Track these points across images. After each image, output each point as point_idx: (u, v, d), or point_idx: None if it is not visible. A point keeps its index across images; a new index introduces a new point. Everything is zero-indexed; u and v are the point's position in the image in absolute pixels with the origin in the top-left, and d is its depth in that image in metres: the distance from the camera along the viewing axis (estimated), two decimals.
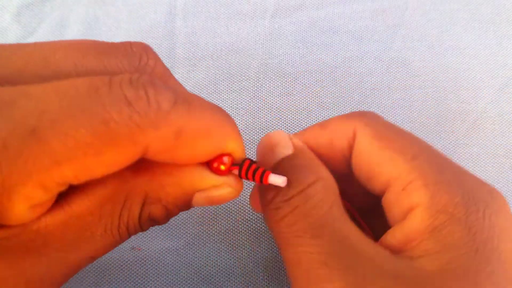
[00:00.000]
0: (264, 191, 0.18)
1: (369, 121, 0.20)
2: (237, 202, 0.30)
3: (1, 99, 0.13)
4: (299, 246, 0.16)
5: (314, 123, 0.32)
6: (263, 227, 0.30)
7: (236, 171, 0.19)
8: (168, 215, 0.18)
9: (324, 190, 0.17)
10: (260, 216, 0.30)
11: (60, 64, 0.16)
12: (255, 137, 0.32)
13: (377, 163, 0.19)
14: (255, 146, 0.29)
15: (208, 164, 0.19)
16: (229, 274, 0.29)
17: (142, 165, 0.17)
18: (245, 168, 0.18)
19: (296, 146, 0.19)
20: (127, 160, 0.14)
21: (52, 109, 0.13)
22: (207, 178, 0.18)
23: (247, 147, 0.31)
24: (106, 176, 0.15)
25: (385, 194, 0.19)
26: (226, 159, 0.18)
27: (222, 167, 0.18)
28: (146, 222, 0.18)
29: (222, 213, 0.30)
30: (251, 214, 0.30)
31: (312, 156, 0.19)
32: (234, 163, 0.18)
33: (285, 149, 0.19)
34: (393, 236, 0.17)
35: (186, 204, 0.18)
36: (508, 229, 0.16)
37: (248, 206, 0.30)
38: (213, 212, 0.30)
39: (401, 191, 0.17)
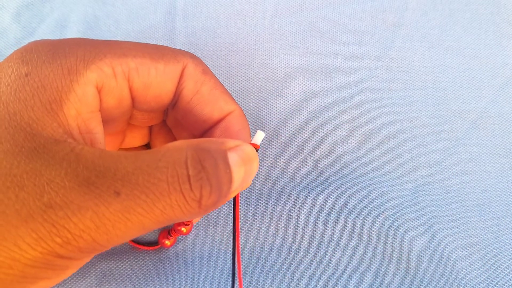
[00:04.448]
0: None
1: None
2: None
3: None
4: None
5: (314, 123, 0.32)
6: (263, 228, 0.30)
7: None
8: None
9: None
10: (259, 218, 0.30)
11: None
12: None
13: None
14: None
15: None
16: (229, 275, 0.29)
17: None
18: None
19: None
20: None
21: None
22: (230, 140, 0.20)
23: None
24: None
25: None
26: None
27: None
28: None
29: (222, 216, 0.30)
30: (250, 216, 0.30)
31: None
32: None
33: None
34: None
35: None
36: None
37: (247, 207, 0.30)
38: (213, 215, 0.30)
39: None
